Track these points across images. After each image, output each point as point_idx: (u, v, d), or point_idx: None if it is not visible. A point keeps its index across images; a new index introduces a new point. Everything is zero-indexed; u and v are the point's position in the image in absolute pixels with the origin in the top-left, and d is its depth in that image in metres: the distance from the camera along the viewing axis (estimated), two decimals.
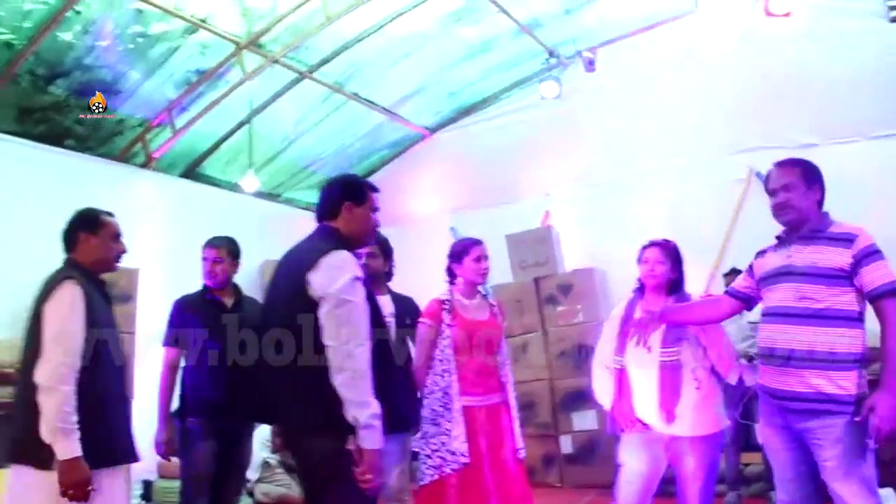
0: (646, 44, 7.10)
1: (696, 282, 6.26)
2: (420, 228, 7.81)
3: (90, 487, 2.67)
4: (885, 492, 4.07)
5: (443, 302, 3.78)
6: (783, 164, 3.01)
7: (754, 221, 3.25)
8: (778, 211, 2.94)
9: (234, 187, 7.10)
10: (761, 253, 3.12)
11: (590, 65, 6.84)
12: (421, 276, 7.24)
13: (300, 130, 7.26)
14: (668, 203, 6.64)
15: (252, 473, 5.06)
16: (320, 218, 2.87)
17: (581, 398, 6.10)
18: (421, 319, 3.78)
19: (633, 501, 3.49)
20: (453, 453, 3.57)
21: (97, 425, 2.77)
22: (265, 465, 5.37)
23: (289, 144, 7.37)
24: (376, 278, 3.87)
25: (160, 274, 5.83)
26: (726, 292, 3.31)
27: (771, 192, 2.98)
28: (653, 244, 3.66)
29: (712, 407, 3.45)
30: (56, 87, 5.49)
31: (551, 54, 7.07)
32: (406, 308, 4.04)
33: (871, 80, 6.04)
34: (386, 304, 3.81)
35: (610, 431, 3.80)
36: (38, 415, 2.65)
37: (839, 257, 2.76)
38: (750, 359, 4.54)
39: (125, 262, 4.57)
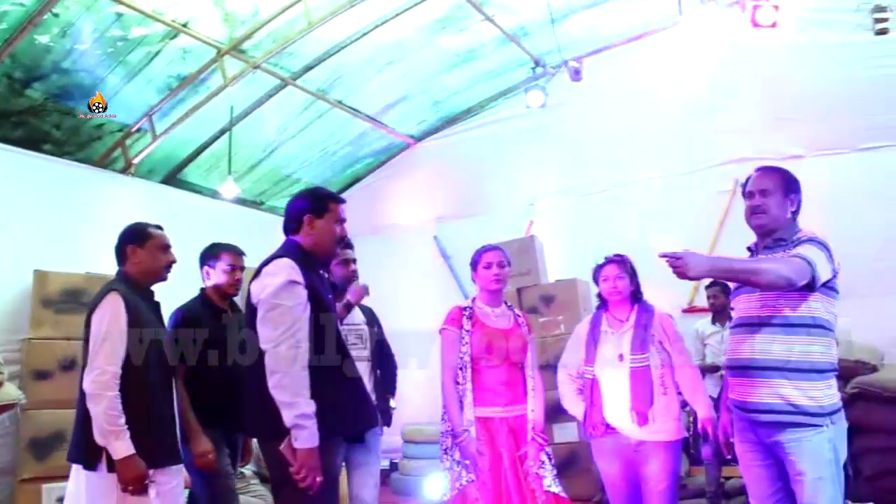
0: (632, 54, 7.09)
1: (680, 294, 6.25)
2: (404, 237, 7.77)
3: (148, 481, 2.91)
4: None
5: (463, 309, 3.66)
6: (765, 170, 2.99)
7: (739, 233, 3.21)
8: (751, 214, 2.91)
9: (215, 194, 7.03)
10: None
11: (576, 74, 6.78)
12: (404, 284, 7.25)
13: (283, 138, 7.20)
14: (652, 214, 6.61)
15: None
16: (286, 231, 2.91)
17: (562, 410, 5.92)
18: (444, 326, 3.64)
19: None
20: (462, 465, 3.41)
21: (148, 426, 2.97)
22: (240, 475, 5.27)
23: (271, 152, 7.31)
24: (345, 286, 3.82)
25: None
26: None
27: (747, 195, 2.94)
28: (609, 261, 3.70)
29: (673, 416, 3.47)
30: (33, 91, 5.42)
31: (537, 63, 7.01)
32: (372, 315, 4.01)
33: (856, 93, 6.04)
34: (356, 313, 3.76)
35: (584, 437, 3.78)
36: (88, 420, 2.89)
37: None
38: None
39: (104, 269, 4.52)
